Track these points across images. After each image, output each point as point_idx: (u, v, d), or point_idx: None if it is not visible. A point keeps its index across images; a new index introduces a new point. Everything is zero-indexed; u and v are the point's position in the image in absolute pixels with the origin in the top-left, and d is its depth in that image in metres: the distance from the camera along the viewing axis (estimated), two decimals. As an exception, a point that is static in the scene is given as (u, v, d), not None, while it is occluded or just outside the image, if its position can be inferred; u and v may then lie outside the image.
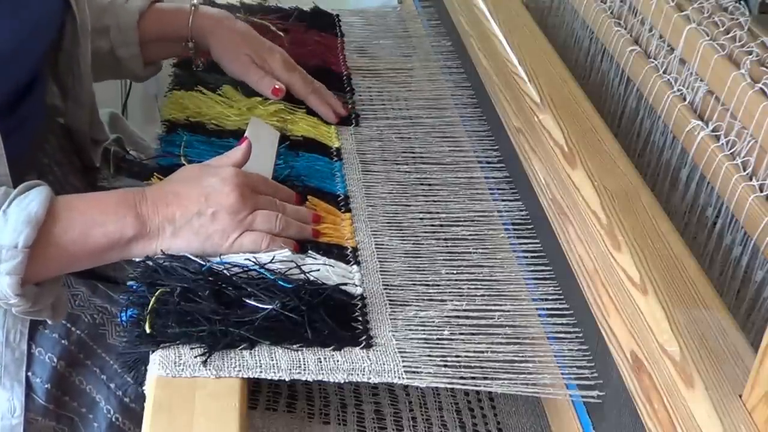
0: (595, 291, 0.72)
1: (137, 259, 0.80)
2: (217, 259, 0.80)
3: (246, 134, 0.95)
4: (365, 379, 0.72)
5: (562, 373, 0.75)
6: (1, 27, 0.85)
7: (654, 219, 0.74)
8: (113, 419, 0.94)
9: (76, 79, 1.02)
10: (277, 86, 1.07)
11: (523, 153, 0.91)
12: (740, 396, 0.58)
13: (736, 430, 0.56)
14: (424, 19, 1.38)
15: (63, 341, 0.93)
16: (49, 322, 0.87)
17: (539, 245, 0.89)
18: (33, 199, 0.77)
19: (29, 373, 0.92)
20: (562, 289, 0.83)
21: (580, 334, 0.78)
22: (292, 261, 0.80)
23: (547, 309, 0.81)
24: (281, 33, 1.22)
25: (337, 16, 1.35)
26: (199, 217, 0.81)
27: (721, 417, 0.57)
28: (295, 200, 0.91)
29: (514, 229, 0.92)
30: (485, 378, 0.73)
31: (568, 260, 0.79)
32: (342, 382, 0.72)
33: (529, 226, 0.92)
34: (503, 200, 0.96)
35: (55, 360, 0.92)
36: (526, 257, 0.88)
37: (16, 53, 0.87)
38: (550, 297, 0.83)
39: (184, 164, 0.91)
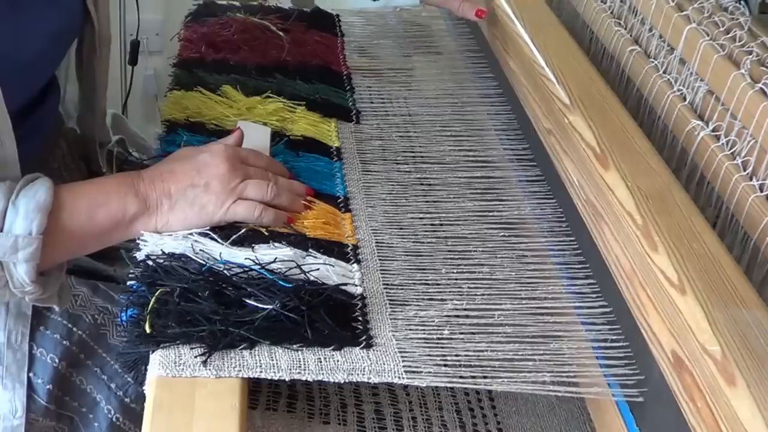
0: (634, 291, 0.72)
1: (138, 259, 0.80)
2: (218, 259, 0.80)
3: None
4: (365, 379, 0.72)
5: (604, 373, 0.76)
6: (19, 38, 0.85)
7: (689, 218, 0.73)
8: (114, 419, 0.94)
9: (90, 86, 1.02)
10: (480, 8, 1.10)
11: (555, 154, 0.91)
12: None
13: None
14: (446, 18, 1.37)
15: (64, 342, 0.93)
16: (56, 308, 0.89)
17: (542, 244, 0.90)
18: (39, 189, 0.79)
19: (30, 374, 0.92)
20: (600, 287, 0.84)
21: (620, 333, 0.78)
22: (292, 261, 0.80)
23: (584, 308, 0.82)
24: (281, 33, 1.22)
25: (337, 16, 1.35)
26: (193, 188, 0.84)
27: (764, 415, 0.56)
28: (289, 177, 0.93)
29: (515, 229, 0.92)
30: (485, 377, 0.73)
31: (605, 260, 0.79)
32: (342, 382, 0.72)
33: (528, 225, 0.92)
34: (500, 200, 0.96)
35: (57, 360, 0.92)
36: (526, 256, 0.88)
37: (33, 63, 0.88)
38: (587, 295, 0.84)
39: None
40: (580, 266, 0.87)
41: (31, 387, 0.92)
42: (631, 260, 0.73)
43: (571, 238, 0.91)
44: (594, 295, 0.84)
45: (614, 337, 0.78)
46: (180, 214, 0.84)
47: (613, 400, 0.77)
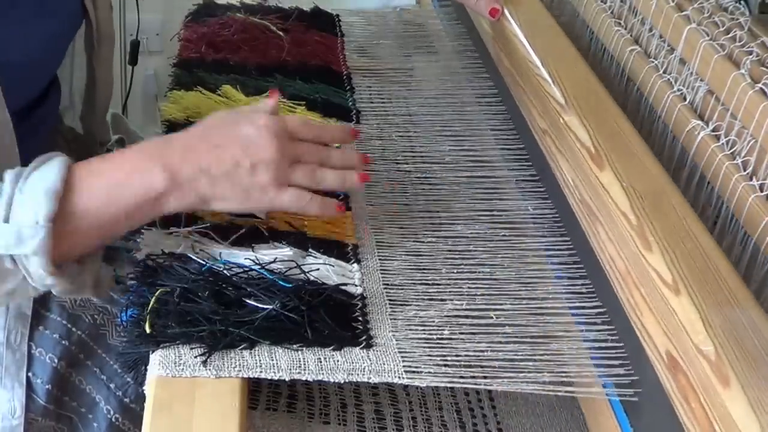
0: (628, 291, 0.72)
1: (138, 259, 0.80)
2: (218, 259, 0.80)
3: None
4: (365, 379, 0.72)
5: (598, 373, 0.75)
6: (17, 41, 0.85)
7: (684, 219, 0.73)
8: (113, 419, 0.94)
9: (90, 82, 1.02)
10: (495, 6, 1.08)
11: (550, 154, 0.91)
12: None
13: None
14: (443, 18, 1.37)
15: (63, 341, 0.93)
16: (93, 299, 0.85)
17: (541, 244, 0.89)
18: (50, 171, 0.72)
19: (30, 374, 0.92)
20: (594, 287, 0.83)
21: (614, 333, 0.78)
22: (292, 260, 0.80)
23: (579, 307, 0.82)
24: (281, 33, 1.22)
25: (337, 16, 1.35)
26: (237, 168, 0.75)
27: (758, 415, 0.56)
28: (351, 133, 0.88)
29: (515, 229, 0.92)
30: (485, 377, 0.73)
31: (599, 260, 0.79)
32: (342, 382, 0.72)
33: (555, 225, 0.93)
34: (501, 199, 0.96)
35: (56, 360, 0.92)
36: (527, 255, 0.88)
37: (32, 65, 0.88)
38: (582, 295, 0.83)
39: None
40: (575, 266, 0.87)
41: (30, 387, 0.92)
42: (625, 260, 0.73)
43: (566, 238, 0.91)
44: (589, 295, 0.83)
45: (609, 337, 0.78)
46: (220, 192, 0.76)
47: (608, 401, 0.76)
